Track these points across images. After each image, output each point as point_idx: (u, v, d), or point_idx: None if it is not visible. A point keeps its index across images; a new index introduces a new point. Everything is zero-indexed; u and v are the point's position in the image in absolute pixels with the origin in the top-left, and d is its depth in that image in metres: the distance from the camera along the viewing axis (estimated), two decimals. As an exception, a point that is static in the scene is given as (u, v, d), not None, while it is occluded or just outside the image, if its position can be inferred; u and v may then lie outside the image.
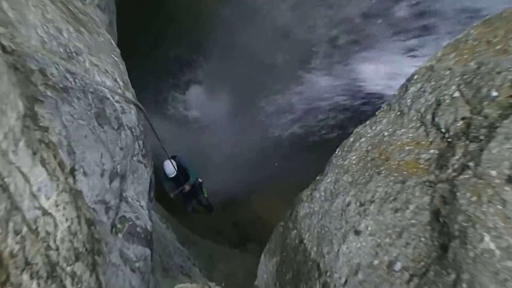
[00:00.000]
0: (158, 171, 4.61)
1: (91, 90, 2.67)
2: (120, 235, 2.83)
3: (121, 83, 3.22)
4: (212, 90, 12.21)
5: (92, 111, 2.61)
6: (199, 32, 11.64)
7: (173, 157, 7.93)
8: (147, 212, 3.35)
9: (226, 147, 11.43)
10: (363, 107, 10.58)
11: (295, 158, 10.47)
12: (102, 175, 2.58)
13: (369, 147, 2.82)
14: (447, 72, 2.57)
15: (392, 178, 2.48)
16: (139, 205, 3.24)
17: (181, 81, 12.49)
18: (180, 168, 7.92)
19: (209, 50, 12.06)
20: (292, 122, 11.52)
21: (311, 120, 11.32)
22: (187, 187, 8.06)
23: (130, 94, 3.31)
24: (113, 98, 3.00)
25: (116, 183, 2.78)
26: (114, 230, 2.79)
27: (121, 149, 2.97)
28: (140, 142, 3.38)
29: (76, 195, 2.22)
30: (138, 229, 3.04)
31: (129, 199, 3.10)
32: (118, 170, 2.88)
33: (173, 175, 7.71)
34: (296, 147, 11.05)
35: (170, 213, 8.45)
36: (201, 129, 11.95)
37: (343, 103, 10.84)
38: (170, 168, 7.63)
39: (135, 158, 3.26)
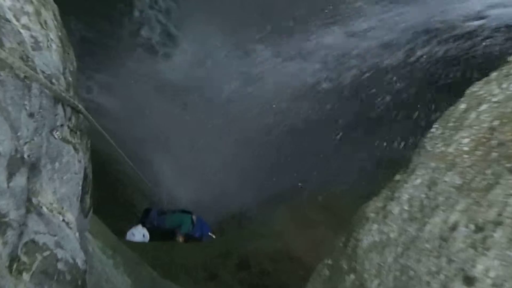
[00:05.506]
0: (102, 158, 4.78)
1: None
2: (26, 275, 2.73)
3: (34, -7, 3.18)
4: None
5: (-24, 42, 2.57)
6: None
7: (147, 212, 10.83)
8: (77, 235, 3.32)
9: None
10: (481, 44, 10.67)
11: (357, 139, 11.09)
12: (-6, 163, 2.52)
13: (495, 122, 2.85)
14: None
15: (539, 180, 2.58)
16: (63, 221, 3.19)
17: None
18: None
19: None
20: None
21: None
22: (181, 239, 10.41)
23: (49, 15, 3.27)
24: (17, 20, 2.96)
25: (20, 179, 2.71)
26: (15, 266, 2.70)
27: (31, 116, 2.90)
28: (67, 106, 3.35)
29: None
30: (60, 266, 2.96)
31: (44, 210, 3.03)
32: (25, 155, 2.81)
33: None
34: (356, 119, 11.54)
35: (123, 237, 8.56)
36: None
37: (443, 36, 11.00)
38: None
39: (56, 134, 3.22)
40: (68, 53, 3.49)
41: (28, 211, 2.83)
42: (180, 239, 10.35)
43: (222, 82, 14.59)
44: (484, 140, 2.78)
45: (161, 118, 13.68)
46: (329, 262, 3.59)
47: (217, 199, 11.72)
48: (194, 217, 10.96)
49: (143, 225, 10.54)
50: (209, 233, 10.97)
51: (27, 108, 2.87)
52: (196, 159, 12.88)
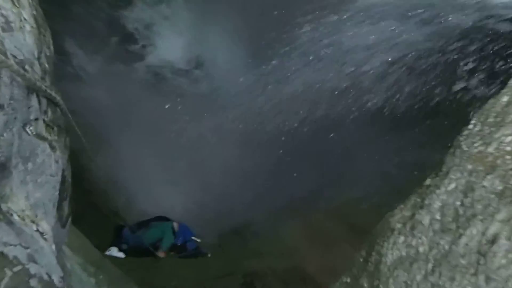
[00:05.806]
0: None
1: None
2: (-8, 294, 2.67)
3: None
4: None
5: None
6: None
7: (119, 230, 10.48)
8: (54, 247, 3.28)
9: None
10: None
11: (379, 139, 11.08)
12: (-46, 163, 2.63)
13: (543, 117, 2.86)
14: None
15: None
16: (37, 231, 3.14)
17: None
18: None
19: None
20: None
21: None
22: (162, 255, 10.22)
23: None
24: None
25: (-14, 182, 2.70)
26: (-19, 282, 2.63)
27: (0, 108, 2.85)
28: (42, 97, 3.32)
29: None
30: (33, 283, 2.89)
31: (15, 218, 2.98)
32: (-7, 155, 2.77)
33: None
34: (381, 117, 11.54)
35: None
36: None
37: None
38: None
39: (30, 130, 3.18)
40: (44, 35, 3.46)
41: (-5, 219, 2.78)
42: (161, 254, 10.00)
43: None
44: (530, 139, 2.68)
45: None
46: (348, 280, 3.55)
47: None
48: (175, 225, 10.63)
49: (119, 248, 10.12)
50: (193, 238, 10.66)
51: (-5, 98, 2.81)
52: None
